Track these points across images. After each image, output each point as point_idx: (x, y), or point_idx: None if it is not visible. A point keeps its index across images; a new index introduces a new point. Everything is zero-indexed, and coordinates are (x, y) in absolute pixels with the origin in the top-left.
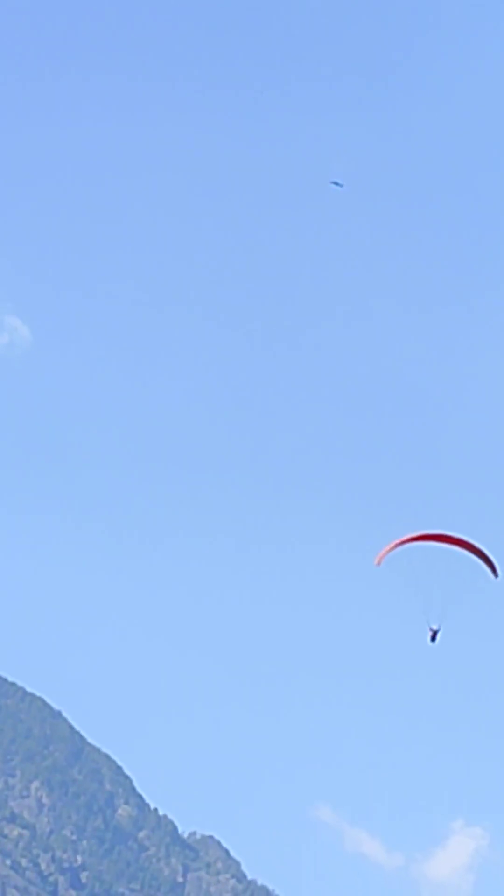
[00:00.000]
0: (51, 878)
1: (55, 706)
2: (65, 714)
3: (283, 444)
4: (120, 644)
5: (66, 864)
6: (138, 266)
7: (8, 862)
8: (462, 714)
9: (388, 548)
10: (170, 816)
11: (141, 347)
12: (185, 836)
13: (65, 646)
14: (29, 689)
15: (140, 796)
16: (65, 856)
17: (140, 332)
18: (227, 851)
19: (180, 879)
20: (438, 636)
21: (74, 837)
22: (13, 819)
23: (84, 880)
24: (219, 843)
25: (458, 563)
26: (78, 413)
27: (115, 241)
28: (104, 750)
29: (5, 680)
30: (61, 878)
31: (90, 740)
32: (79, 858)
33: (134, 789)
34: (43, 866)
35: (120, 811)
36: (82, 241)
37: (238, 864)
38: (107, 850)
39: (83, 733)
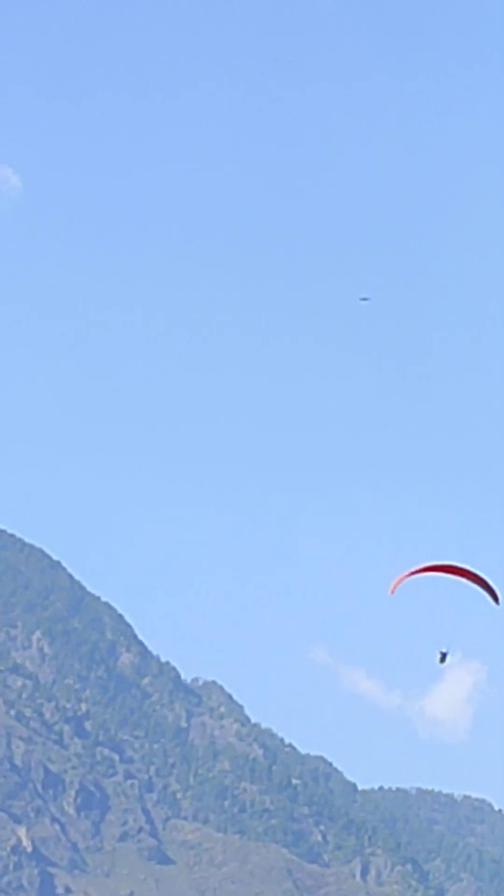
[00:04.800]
0: (55, 727)
1: (54, 556)
2: (64, 564)
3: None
4: (117, 493)
5: (70, 714)
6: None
7: (12, 712)
8: (454, 543)
9: (400, 577)
10: (172, 663)
11: (131, 195)
12: (188, 682)
13: (62, 496)
14: (28, 541)
15: (142, 644)
16: (68, 705)
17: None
18: (229, 696)
19: (184, 725)
20: (448, 657)
21: (78, 686)
22: (16, 670)
23: (88, 728)
24: (221, 688)
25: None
26: (68, 264)
27: (111, 92)
28: (104, 599)
29: (3, 532)
30: (66, 727)
31: (90, 589)
32: (83, 707)
33: (135, 637)
34: (47, 716)
35: (122, 659)
36: (75, 91)
37: (241, 707)
38: (110, 698)
39: (83, 583)
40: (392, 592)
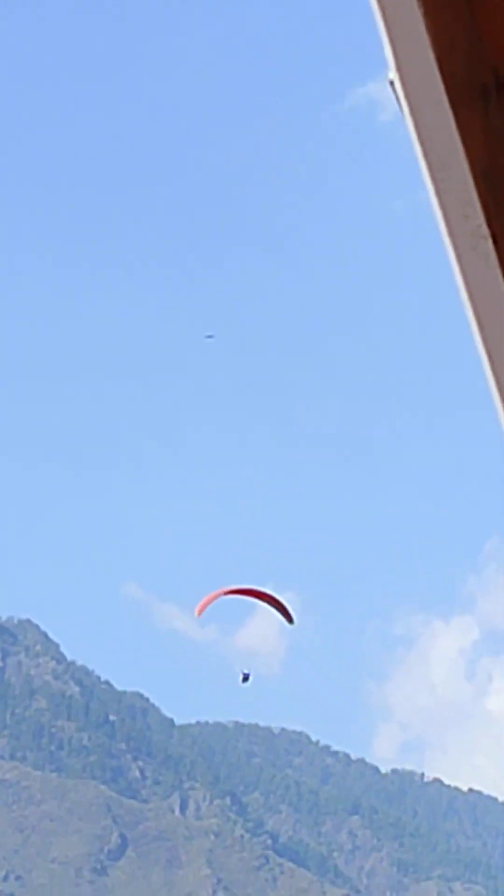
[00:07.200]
0: None
1: None
2: None
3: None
4: None
5: None
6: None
7: None
8: (266, 473)
9: (206, 600)
10: None
11: None
12: (2, 620)
13: None
14: None
15: None
16: None
17: None
18: (45, 634)
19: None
20: (250, 679)
21: None
22: None
23: None
24: (37, 626)
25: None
26: None
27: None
28: None
29: None
30: None
31: None
32: None
33: None
34: None
35: None
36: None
37: (57, 645)
38: None
39: None
40: (198, 615)
